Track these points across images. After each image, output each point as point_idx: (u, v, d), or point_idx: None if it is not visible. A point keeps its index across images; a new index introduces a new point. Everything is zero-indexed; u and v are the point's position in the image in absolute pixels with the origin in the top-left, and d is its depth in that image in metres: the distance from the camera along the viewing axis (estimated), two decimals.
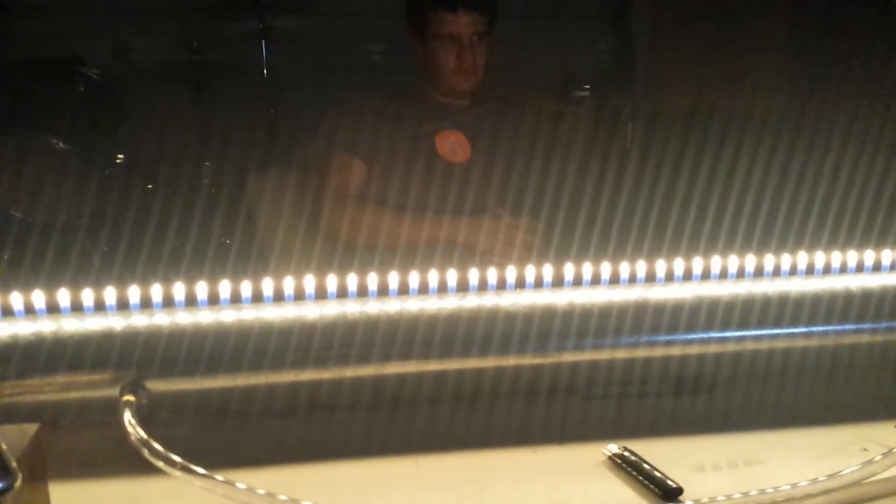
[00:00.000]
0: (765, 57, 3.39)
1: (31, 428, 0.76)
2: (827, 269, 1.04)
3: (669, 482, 0.80)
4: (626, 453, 0.86)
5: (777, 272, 1.02)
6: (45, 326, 0.89)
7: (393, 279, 0.96)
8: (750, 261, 1.02)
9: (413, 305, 0.95)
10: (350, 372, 0.93)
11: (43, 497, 0.79)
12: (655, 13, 3.90)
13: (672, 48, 3.70)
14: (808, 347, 1.01)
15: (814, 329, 1.00)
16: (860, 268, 1.05)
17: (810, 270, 1.03)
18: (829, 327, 1.00)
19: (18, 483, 0.66)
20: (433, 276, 0.96)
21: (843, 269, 1.05)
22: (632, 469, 0.84)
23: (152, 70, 3.43)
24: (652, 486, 0.81)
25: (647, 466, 0.83)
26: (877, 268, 1.03)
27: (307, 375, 0.93)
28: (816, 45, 2.74)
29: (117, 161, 3.04)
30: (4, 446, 0.70)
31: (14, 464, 0.68)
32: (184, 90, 3.40)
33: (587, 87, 3.56)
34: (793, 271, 1.03)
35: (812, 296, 1.00)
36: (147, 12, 3.43)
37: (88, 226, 2.74)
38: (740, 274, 1.01)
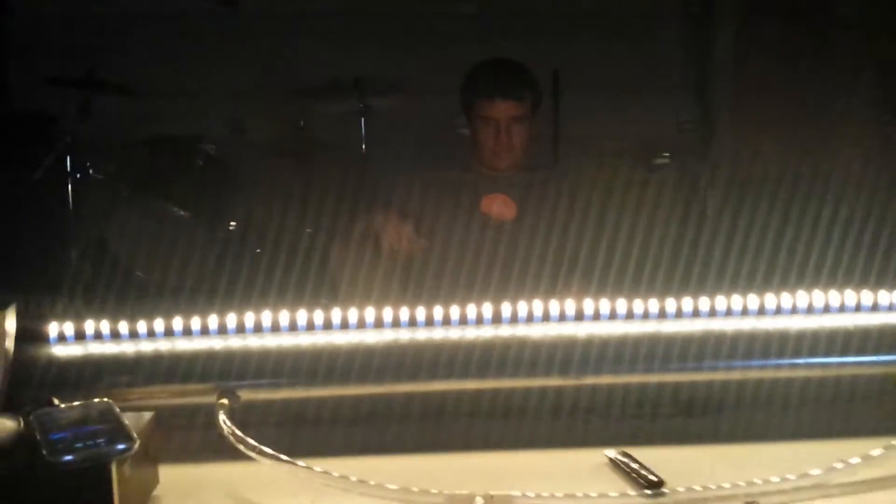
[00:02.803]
0: (843, 126, 3.48)
1: (147, 414, 0.99)
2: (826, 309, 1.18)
3: (652, 476, 0.96)
4: (621, 457, 1.02)
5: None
6: (162, 346, 1.14)
7: (438, 311, 1.16)
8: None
9: (454, 334, 1.15)
10: (402, 387, 1.13)
11: (154, 476, 1.00)
12: (737, 83, 4.05)
13: (753, 117, 3.83)
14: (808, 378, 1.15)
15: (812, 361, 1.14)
16: (858, 307, 1.18)
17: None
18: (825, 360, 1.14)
19: (137, 444, 0.88)
20: (471, 310, 1.16)
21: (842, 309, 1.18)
22: (625, 467, 1.00)
23: (262, 145, 3.82)
24: (640, 480, 0.97)
25: (636, 465, 0.99)
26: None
27: (368, 390, 1.14)
28: None
29: (230, 227, 3.39)
30: (126, 420, 0.92)
31: (134, 434, 0.89)
32: (290, 164, 3.75)
33: (667, 154, 3.71)
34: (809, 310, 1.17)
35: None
36: (259, 93, 3.83)
37: (204, 284, 3.07)
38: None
